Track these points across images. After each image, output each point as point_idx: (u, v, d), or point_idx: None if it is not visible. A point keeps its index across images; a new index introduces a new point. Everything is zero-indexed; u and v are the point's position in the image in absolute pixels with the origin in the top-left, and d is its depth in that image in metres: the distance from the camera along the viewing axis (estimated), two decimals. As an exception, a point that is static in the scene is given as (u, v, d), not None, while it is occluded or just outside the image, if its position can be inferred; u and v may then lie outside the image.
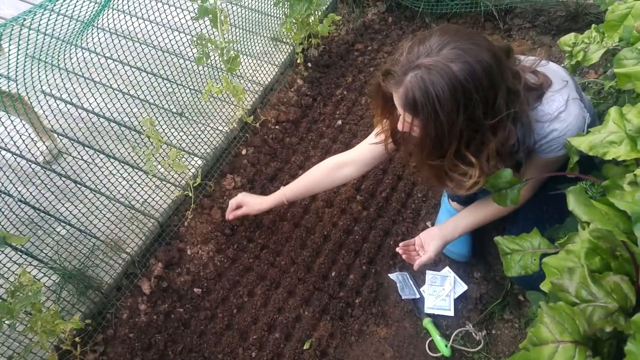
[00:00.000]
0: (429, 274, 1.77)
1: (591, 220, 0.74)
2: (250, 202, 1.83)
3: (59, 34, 1.58)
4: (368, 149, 1.59)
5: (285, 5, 2.31)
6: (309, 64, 2.52)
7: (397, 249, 1.56)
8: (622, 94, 1.48)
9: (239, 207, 1.86)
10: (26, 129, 1.96)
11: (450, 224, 1.54)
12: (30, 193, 1.80)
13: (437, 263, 1.82)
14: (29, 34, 1.42)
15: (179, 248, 1.90)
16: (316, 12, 2.40)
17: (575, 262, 0.84)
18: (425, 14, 2.69)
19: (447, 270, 1.77)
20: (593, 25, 1.42)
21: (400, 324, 1.72)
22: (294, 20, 2.34)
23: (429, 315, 1.70)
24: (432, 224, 1.92)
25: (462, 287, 1.73)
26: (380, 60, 2.55)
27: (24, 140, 1.84)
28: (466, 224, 1.53)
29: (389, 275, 1.79)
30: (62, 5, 1.51)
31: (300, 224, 1.97)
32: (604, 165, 1.11)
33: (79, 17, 1.61)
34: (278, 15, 2.56)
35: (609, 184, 0.98)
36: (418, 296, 1.74)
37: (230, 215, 1.87)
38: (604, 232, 0.73)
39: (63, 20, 1.54)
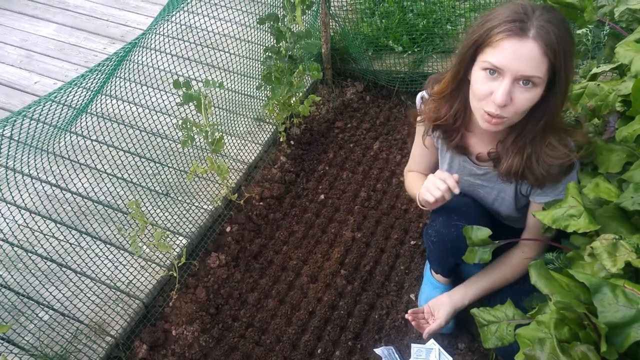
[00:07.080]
0: (414, 347, 1.76)
1: (551, 293, 0.78)
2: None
3: (51, 121, 1.63)
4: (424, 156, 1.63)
5: (267, 89, 2.44)
6: (292, 142, 2.62)
7: (407, 316, 1.51)
8: (585, 166, 1.57)
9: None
10: (11, 213, 1.99)
11: (460, 290, 1.52)
12: (14, 278, 1.80)
13: (421, 335, 1.82)
14: (22, 122, 1.46)
15: (164, 329, 1.89)
16: (297, 93, 2.53)
17: (545, 333, 0.87)
18: (400, 92, 2.84)
19: (431, 342, 1.77)
20: None
21: (389, 401, 1.69)
22: (276, 102, 2.46)
23: (417, 390, 1.68)
24: (416, 297, 1.94)
25: (447, 360, 1.73)
26: (360, 136, 2.66)
27: (8, 224, 1.87)
28: (476, 289, 1.50)
29: (374, 350, 1.78)
30: (56, 95, 1.57)
31: (285, 300, 1.97)
32: (570, 235, 1.17)
33: (70, 104, 1.68)
34: (261, 98, 2.68)
35: (574, 255, 1.04)
36: (405, 371, 1.72)
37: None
38: (566, 304, 0.77)
39: (56, 108, 1.59)
